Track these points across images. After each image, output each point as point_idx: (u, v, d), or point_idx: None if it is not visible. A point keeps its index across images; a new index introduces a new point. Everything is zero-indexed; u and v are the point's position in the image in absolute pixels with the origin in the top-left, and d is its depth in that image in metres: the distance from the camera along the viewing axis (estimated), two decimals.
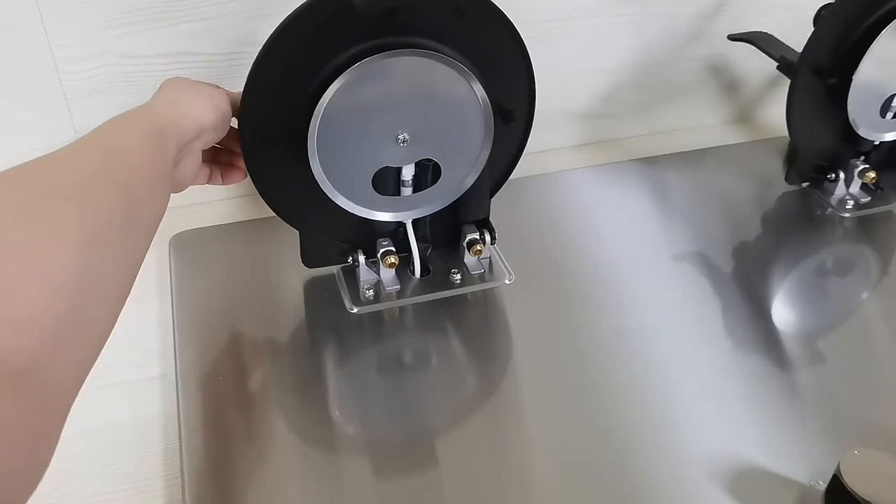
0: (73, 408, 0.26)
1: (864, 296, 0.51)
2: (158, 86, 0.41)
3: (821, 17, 0.51)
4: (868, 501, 0.33)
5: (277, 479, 0.38)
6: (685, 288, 0.50)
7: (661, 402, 0.42)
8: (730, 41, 0.60)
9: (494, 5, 0.42)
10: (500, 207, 0.50)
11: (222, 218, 0.54)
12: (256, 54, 0.40)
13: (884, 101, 0.54)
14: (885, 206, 0.58)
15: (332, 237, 0.47)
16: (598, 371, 0.44)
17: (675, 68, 0.65)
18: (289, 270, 0.49)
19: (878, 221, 0.57)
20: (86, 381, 0.27)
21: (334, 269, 0.50)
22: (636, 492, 0.38)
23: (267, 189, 0.44)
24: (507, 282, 0.50)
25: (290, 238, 0.47)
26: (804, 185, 0.59)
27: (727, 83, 0.68)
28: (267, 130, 0.42)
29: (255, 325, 0.47)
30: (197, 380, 0.43)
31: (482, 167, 0.45)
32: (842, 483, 0.34)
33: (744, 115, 0.70)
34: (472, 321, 0.49)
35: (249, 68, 0.40)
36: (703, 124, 0.69)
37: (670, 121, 0.68)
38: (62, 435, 0.26)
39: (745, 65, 0.66)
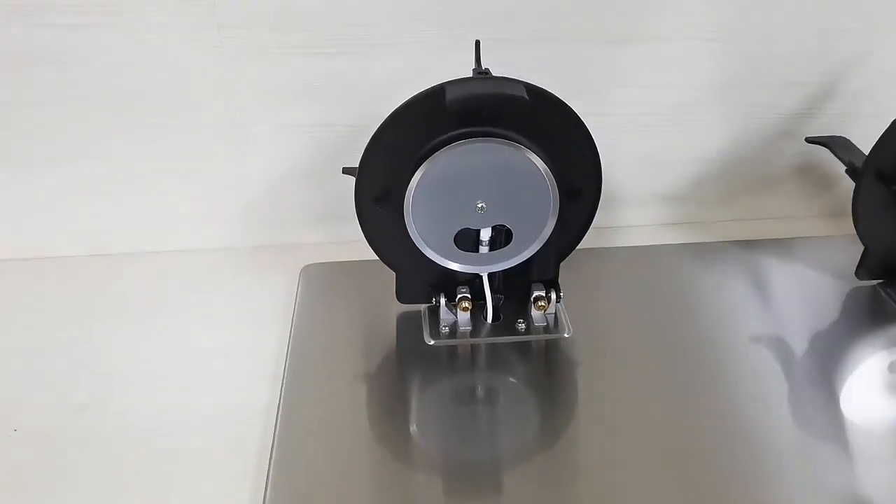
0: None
1: None
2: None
3: (890, 125, 0.55)
4: None
5: (358, 488, 0.47)
6: (753, 372, 0.55)
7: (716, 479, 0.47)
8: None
9: (563, 103, 0.51)
10: (582, 271, 0.60)
11: (347, 256, 0.66)
12: (374, 131, 0.51)
13: None
14: None
15: (421, 281, 0.58)
16: (651, 433, 0.50)
17: (765, 162, 0.71)
18: (389, 304, 0.60)
19: None
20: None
21: (422, 307, 0.60)
22: None
23: (373, 238, 0.56)
24: (566, 335, 0.58)
25: (392, 279, 0.58)
26: (876, 282, 0.62)
27: (818, 179, 0.71)
28: (375, 192, 0.53)
29: (355, 349, 0.58)
30: (299, 401, 0.53)
31: (548, 236, 0.54)
32: None
33: (834, 211, 0.73)
34: (535, 365, 0.57)
35: (367, 142, 0.52)
36: (792, 215, 0.73)
37: (758, 210, 0.73)
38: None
39: (837, 163, 0.70)
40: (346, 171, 0.56)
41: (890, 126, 0.55)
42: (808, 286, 0.64)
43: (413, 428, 0.51)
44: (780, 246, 0.69)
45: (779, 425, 0.50)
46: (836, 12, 0.64)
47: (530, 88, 0.50)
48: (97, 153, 0.65)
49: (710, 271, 0.67)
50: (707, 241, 0.70)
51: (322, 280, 0.65)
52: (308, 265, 0.66)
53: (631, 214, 0.72)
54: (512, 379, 0.56)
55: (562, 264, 0.58)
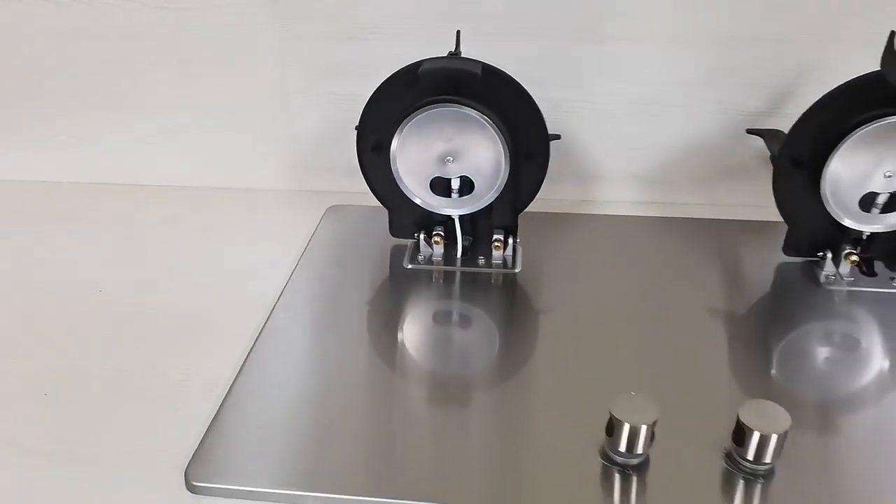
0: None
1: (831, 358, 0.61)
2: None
3: (800, 118, 0.65)
4: None
5: (345, 389, 0.60)
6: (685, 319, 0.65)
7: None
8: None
9: (515, 81, 0.65)
10: (551, 229, 0.76)
11: (366, 202, 0.82)
12: (369, 97, 0.67)
13: (862, 196, 0.65)
14: (865, 288, 0.68)
15: (408, 219, 0.73)
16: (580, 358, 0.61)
17: (730, 153, 0.81)
18: (387, 238, 0.76)
19: (859, 299, 0.67)
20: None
21: (409, 242, 0.75)
22: None
23: (371, 181, 0.72)
24: (516, 271, 0.71)
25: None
26: (802, 259, 0.71)
27: None
28: (372, 144, 0.69)
29: (352, 265, 0.74)
30: (295, 298, 0.70)
31: (502, 188, 0.68)
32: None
33: None
34: (487, 292, 0.70)
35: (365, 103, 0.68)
36: (756, 203, 0.82)
37: (724, 196, 0.83)
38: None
39: None
40: (356, 127, 0.72)
41: (799, 118, 0.64)
42: (755, 264, 0.74)
43: (383, 330, 0.66)
44: (744, 227, 0.79)
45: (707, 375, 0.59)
46: (788, 24, 0.74)
47: (486, 67, 0.64)
48: (185, 107, 0.85)
49: (671, 243, 0.78)
50: (674, 216, 0.81)
51: (341, 218, 0.82)
52: (332, 206, 0.83)
53: (608, 191, 0.84)
54: (467, 300, 0.70)
55: (538, 223, 0.73)
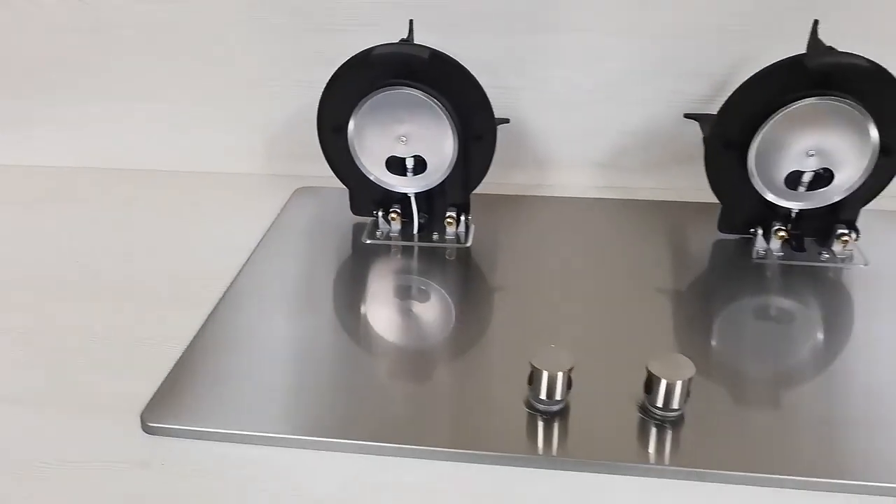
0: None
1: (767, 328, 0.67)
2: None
3: (726, 101, 0.69)
4: None
5: (300, 347, 0.67)
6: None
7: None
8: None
9: (462, 67, 0.70)
10: (509, 209, 0.81)
11: (333, 184, 0.87)
12: (327, 81, 0.72)
13: (787, 175, 0.69)
14: (795, 262, 0.72)
15: (367, 198, 0.78)
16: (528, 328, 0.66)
17: (681, 138, 0.85)
18: (349, 216, 0.80)
19: (789, 273, 0.72)
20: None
21: (370, 219, 0.80)
22: None
23: (332, 161, 0.77)
24: (467, 245, 0.76)
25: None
26: (738, 236, 0.75)
27: None
28: (332, 125, 0.74)
29: (315, 241, 0.79)
30: (257, 268, 0.75)
31: (452, 166, 0.72)
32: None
33: None
34: (438, 264, 0.74)
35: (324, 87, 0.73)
36: (706, 186, 0.87)
37: (675, 180, 0.87)
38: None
39: None
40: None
41: (726, 101, 0.69)
42: (696, 243, 0.78)
43: (340, 300, 0.70)
44: (689, 208, 0.83)
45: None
46: (729, 15, 0.78)
47: (434, 53, 0.69)
48: (164, 98, 0.90)
49: (618, 223, 0.82)
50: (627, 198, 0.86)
51: (307, 199, 0.87)
52: (300, 188, 0.88)
53: (562, 176, 0.89)
54: (422, 273, 0.74)
55: (492, 204, 0.79)
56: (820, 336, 0.64)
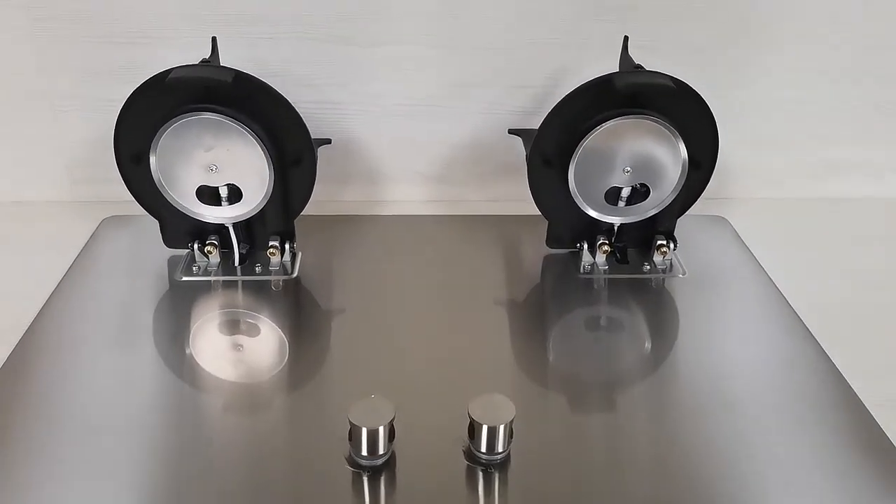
0: None
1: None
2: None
3: (543, 120, 0.69)
4: None
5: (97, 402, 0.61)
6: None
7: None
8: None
9: (270, 87, 0.65)
10: (337, 232, 0.78)
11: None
12: (119, 109, 0.65)
13: (606, 190, 0.70)
14: (620, 275, 0.74)
15: (181, 229, 0.71)
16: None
17: (506, 150, 0.85)
18: (164, 249, 0.74)
19: (614, 286, 0.73)
20: None
21: (186, 252, 0.74)
22: None
23: (136, 192, 0.70)
24: (294, 276, 0.72)
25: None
26: (566, 250, 0.76)
27: None
28: (131, 154, 0.67)
29: (124, 280, 0.71)
30: (56, 313, 0.66)
31: (270, 194, 0.68)
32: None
33: None
34: (264, 298, 0.70)
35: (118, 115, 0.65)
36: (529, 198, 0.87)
37: (504, 192, 0.87)
38: None
39: None
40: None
41: (543, 121, 0.69)
42: (528, 257, 0.78)
43: (151, 345, 0.64)
44: (519, 221, 0.83)
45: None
46: (540, 29, 0.78)
47: (238, 75, 0.63)
48: None
49: (452, 240, 0.80)
50: (458, 213, 0.84)
51: (117, 229, 0.79)
52: (108, 217, 0.80)
53: (395, 190, 0.86)
54: (247, 309, 0.69)
55: (321, 226, 0.75)
56: (647, 345, 0.66)
